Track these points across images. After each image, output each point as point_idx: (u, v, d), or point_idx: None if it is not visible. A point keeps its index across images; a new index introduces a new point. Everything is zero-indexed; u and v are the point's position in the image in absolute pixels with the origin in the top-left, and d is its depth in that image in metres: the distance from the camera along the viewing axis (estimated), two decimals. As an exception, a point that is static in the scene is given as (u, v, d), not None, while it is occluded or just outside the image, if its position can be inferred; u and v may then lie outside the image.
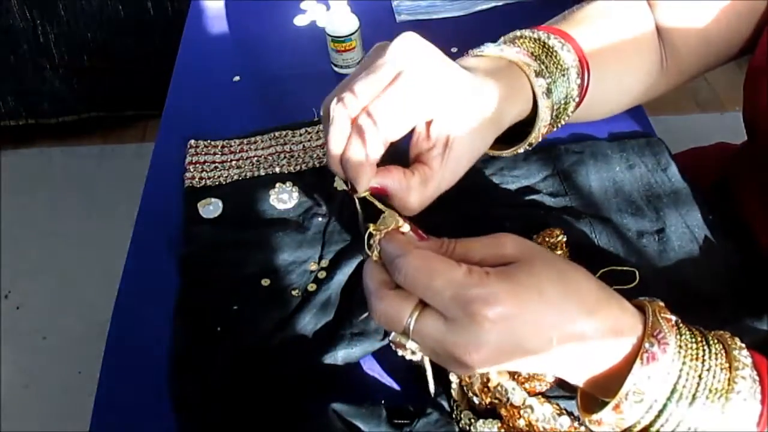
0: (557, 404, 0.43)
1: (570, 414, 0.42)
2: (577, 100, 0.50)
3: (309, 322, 0.54)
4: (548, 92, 0.47)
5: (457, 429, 0.47)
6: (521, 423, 0.42)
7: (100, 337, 0.57)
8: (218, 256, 0.59)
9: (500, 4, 0.92)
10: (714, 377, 0.34)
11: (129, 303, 0.59)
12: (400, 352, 0.37)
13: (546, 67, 0.48)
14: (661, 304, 0.37)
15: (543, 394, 0.44)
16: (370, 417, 0.47)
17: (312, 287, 0.56)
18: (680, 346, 0.34)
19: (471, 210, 0.61)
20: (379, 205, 0.41)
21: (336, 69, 0.82)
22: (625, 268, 0.55)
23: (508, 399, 0.42)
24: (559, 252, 0.54)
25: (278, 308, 0.55)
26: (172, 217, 0.64)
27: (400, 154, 0.44)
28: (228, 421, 0.49)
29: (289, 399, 0.50)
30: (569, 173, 0.65)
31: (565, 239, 0.56)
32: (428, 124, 0.43)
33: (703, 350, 0.35)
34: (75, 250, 1.59)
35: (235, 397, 0.50)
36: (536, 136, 0.49)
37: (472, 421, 0.45)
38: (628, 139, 0.68)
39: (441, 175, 0.43)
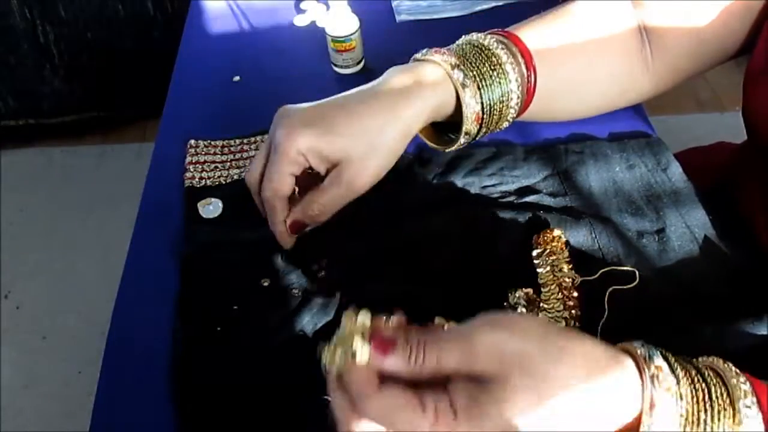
0: None
1: None
2: (520, 97, 0.51)
3: (309, 322, 0.54)
4: (477, 89, 0.49)
5: None
6: None
7: (100, 337, 0.56)
8: (218, 256, 0.59)
9: (500, 3, 0.92)
10: None
11: (129, 303, 0.59)
12: None
13: (472, 65, 0.49)
14: (659, 364, 0.34)
15: None
16: (370, 417, 0.47)
17: (312, 287, 0.56)
18: (681, 415, 0.32)
19: (471, 210, 0.61)
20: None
21: (336, 69, 0.82)
22: (625, 268, 0.55)
23: None
24: (558, 251, 0.54)
25: (278, 308, 0.55)
26: (172, 217, 0.64)
27: None
28: (228, 421, 0.49)
29: (289, 399, 0.49)
30: (569, 173, 0.65)
31: (565, 239, 0.56)
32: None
33: (706, 411, 0.33)
34: (75, 250, 1.59)
35: (235, 397, 0.50)
36: (469, 134, 0.51)
37: None
38: (628, 139, 0.68)
39: (345, 187, 0.49)
